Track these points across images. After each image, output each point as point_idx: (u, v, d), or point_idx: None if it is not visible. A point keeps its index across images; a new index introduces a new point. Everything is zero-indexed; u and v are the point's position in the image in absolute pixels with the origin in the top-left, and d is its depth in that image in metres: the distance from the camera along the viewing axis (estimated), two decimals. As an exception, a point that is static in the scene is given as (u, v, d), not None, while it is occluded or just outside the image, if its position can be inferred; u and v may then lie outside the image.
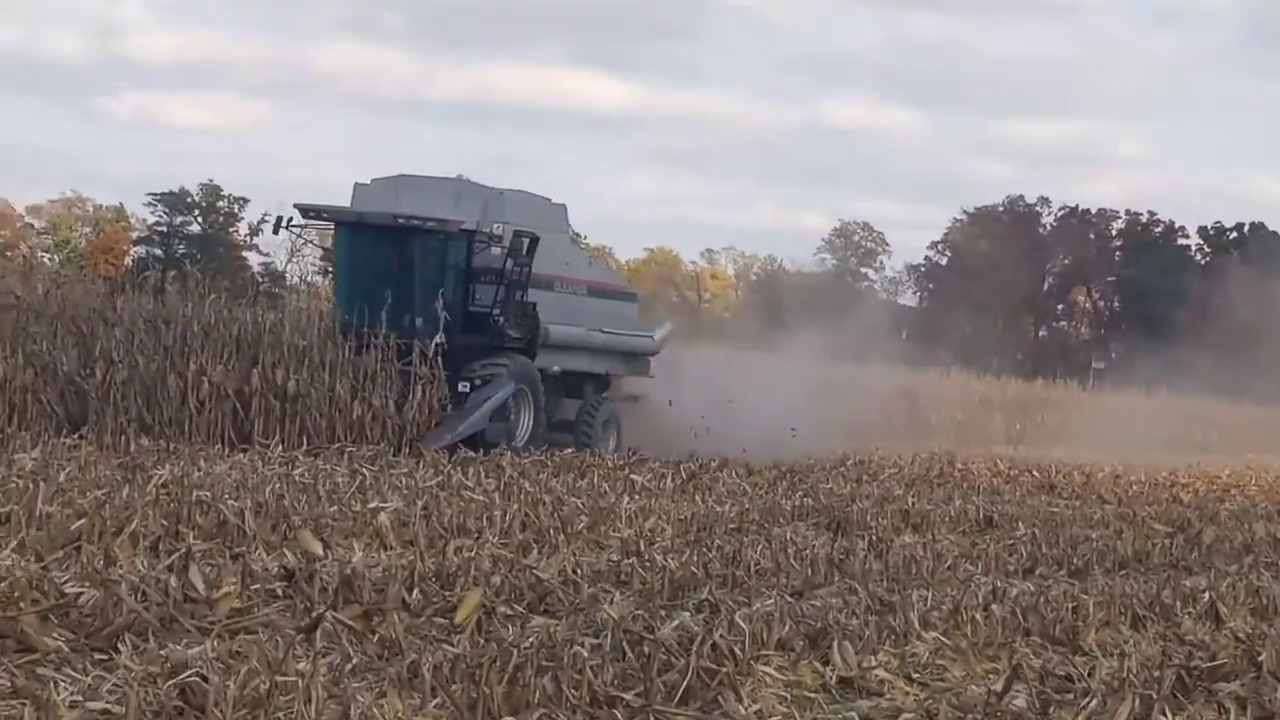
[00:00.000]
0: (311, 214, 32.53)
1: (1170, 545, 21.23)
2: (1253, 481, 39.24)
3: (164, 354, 28.18)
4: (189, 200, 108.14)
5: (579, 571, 14.85)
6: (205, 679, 9.08)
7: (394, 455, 26.92)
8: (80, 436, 24.48)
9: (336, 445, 27.19)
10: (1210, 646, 13.06)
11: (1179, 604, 15.39)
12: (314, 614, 11.59)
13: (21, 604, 11.00)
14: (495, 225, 31.29)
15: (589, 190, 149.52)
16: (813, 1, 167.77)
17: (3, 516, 15.18)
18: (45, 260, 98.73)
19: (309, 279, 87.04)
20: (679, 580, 14.63)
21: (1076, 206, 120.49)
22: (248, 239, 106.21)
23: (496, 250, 31.38)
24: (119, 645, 10.60)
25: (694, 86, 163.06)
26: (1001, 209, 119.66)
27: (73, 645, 10.70)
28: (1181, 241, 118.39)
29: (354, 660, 10.49)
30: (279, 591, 12.76)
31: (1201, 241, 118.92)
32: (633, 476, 25.10)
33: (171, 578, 12.15)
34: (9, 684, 9.28)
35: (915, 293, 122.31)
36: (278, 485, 19.13)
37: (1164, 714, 10.60)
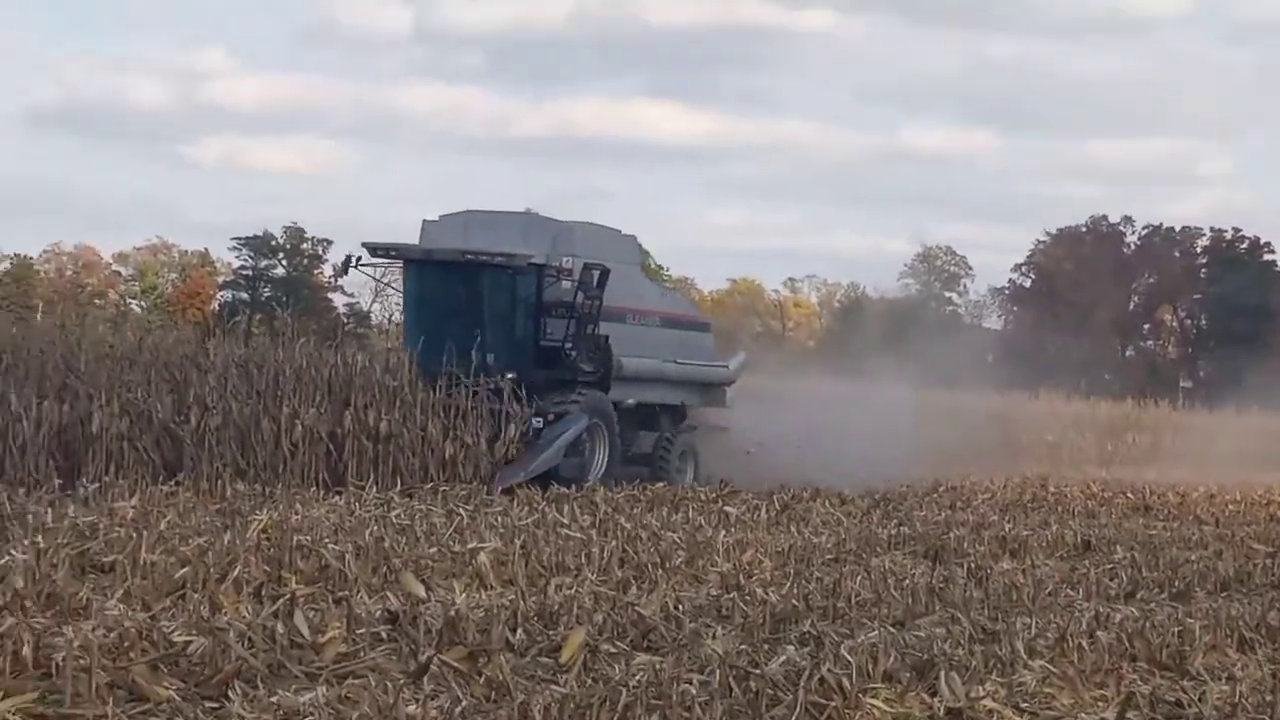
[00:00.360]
0: (379, 253, 32.27)
1: (1272, 565, 21.00)
2: (1350, 498, 38.79)
3: (256, 398, 28.29)
4: (273, 243, 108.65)
5: (680, 607, 14.81)
6: (318, 726, 9.14)
7: (487, 494, 26.95)
8: (177, 483, 24.61)
9: (430, 485, 27.28)
10: (1320, 669, 12.94)
11: (1285, 626, 15.26)
12: (421, 657, 11.64)
13: (131, 654, 11.09)
14: (565, 259, 31.07)
15: (670, 222, 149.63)
16: (889, 28, 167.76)
17: (107, 565, 15.34)
18: (134, 307, 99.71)
19: (393, 318, 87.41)
20: (780, 613, 14.61)
21: (1160, 225, 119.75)
22: (331, 280, 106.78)
23: (566, 284, 31.15)
24: (229, 693, 10.67)
25: (773, 115, 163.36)
26: (1084, 229, 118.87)
27: (183, 694, 10.76)
28: (1268, 257, 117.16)
29: (463, 703, 10.51)
30: (384, 635, 12.78)
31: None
32: (726, 509, 25.01)
33: (277, 623, 12.19)
34: (124, 734, 9.37)
35: (1000, 315, 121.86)
36: (376, 527, 19.14)
37: (1278, 739, 10.52)
